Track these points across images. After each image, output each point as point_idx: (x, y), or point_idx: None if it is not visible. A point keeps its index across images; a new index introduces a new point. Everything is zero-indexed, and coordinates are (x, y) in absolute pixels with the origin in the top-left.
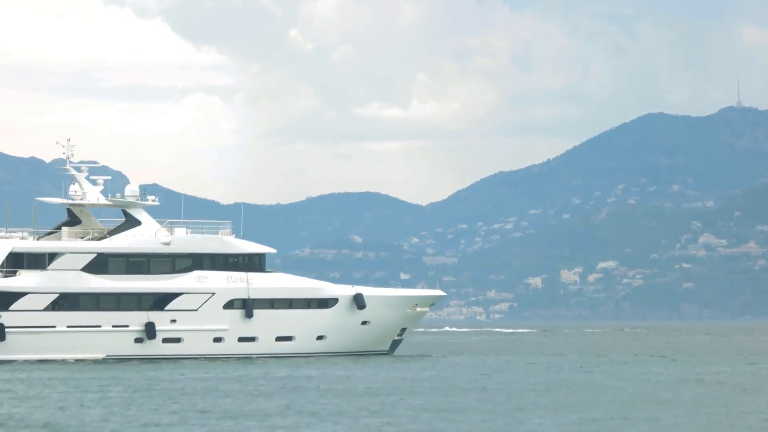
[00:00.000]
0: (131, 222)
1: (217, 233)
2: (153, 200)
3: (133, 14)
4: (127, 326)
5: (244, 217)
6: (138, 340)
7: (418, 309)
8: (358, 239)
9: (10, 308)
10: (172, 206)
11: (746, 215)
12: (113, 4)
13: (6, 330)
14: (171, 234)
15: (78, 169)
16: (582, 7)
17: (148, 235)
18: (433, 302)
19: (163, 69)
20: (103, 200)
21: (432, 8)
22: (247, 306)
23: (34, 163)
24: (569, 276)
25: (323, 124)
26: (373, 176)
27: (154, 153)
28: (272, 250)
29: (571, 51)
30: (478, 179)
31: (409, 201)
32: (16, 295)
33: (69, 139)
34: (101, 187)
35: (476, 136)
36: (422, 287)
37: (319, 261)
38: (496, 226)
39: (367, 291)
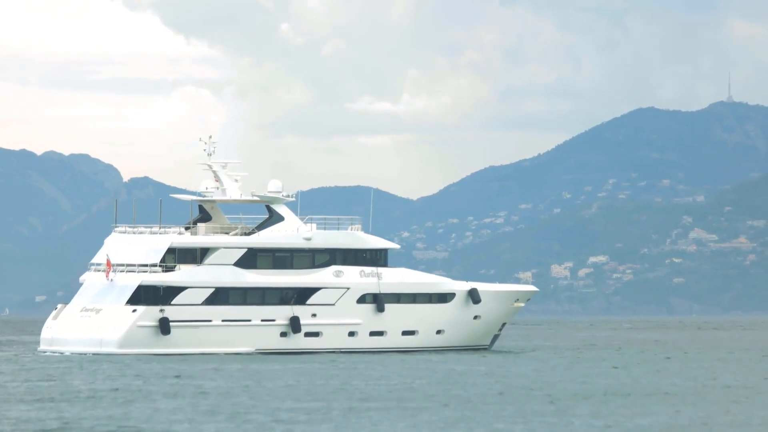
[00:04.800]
0: (275, 218)
1: (347, 228)
2: (288, 196)
3: (124, 6)
4: (274, 320)
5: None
6: (283, 335)
7: (516, 304)
8: None
9: (172, 302)
10: (164, 198)
11: (737, 210)
12: None
13: (171, 324)
14: (311, 230)
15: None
16: (572, 0)
17: (292, 231)
18: (529, 297)
19: (153, 62)
20: (245, 196)
21: (422, 2)
22: (378, 301)
23: (24, 155)
24: (560, 271)
25: (314, 118)
26: (363, 170)
27: (143, 146)
28: (396, 246)
29: (562, 45)
30: (468, 173)
31: (399, 195)
32: (177, 290)
33: (210, 136)
34: (240, 184)
35: (467, 130)
36: None
37: None
38: (487, 220)
39: (480, 286)
